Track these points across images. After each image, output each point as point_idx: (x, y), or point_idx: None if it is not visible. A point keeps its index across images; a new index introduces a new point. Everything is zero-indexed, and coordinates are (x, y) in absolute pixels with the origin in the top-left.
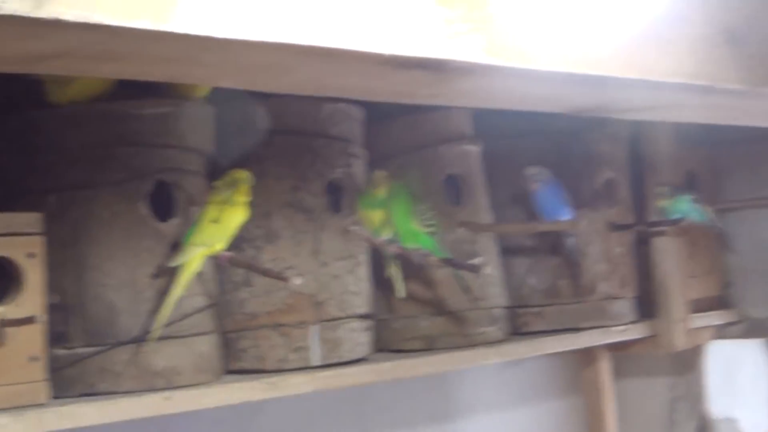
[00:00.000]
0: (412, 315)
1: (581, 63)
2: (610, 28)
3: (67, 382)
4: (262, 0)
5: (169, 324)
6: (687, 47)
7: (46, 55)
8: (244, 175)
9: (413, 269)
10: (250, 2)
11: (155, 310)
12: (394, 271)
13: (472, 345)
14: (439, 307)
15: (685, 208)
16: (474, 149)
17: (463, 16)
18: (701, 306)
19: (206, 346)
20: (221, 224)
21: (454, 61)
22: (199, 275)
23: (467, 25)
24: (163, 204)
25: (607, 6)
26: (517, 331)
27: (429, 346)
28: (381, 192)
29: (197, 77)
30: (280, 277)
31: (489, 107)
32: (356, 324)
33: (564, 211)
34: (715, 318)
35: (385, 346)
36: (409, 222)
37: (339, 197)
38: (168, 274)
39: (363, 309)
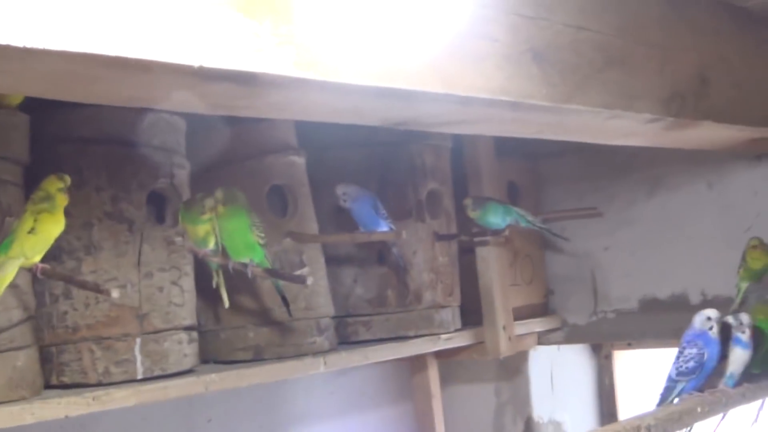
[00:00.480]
0: (239, 325)
1: (389, 77)
2: (417, 44)
3: None
4: (66, 9)
5: None
6: (494, 64)
7: None
8: (59, 183)
9: (241, 280)
10: (52, 11)
11: None
12: (220, 283)
13: (301, 355)
14: (266, 318)
15: (499, 215)
16: (299, 160)
17: (271, 30)
18: (524, 313)
19: (23, 360)
20: (39, 235)
21: (263, 74)
22: (15, 287)
23: (275, 38)
24: None
25: (413, 22)
26: (346, 340)
27: (257, 356)
28: (209, 215)
29: None
30: (97, 289)
31: (303, 119)
32: (182, 336)
33: (380, 222)
34: (537, 325)
35: (213, 357)
36: (248, 235)
37: (162, 208)
38: None
39: (188, 320)
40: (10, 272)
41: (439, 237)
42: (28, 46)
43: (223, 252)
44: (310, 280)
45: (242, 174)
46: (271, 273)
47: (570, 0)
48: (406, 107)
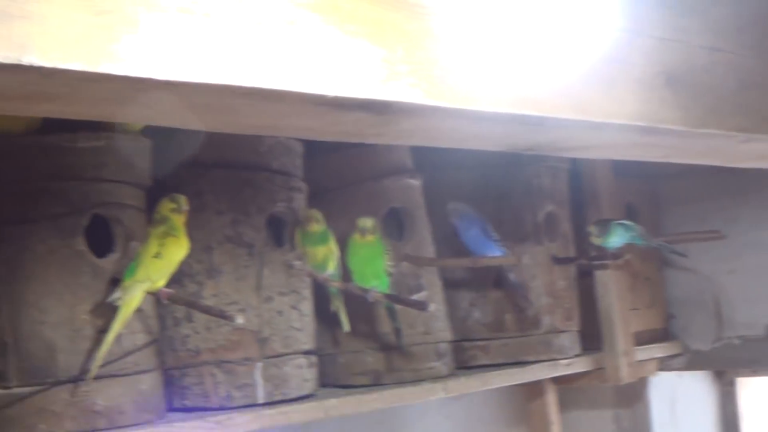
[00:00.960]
0: (357, 350)
1: (521, 104)
2: (549, 70)
3: (4, 423)
4: (203, 41)
5: (109, 362)
6: (627, 88)
7: None
8: (172, 205)
9: (359, 304)
10: (189, 43)
11: (95, 347)
12: (339, 306)
13: (419, 380)
14: (384, 342)
15: (620, 234)
16: (415, 183)
17: (403, 58)
18: (644, 338)
19: (148, 383)
20: (163, 259)
21: (395, 103)
22: (140, 311)
23: (408, 66)
24: (101, 239)
25: (549, 47)
26: (464, 365)
27: (376, 381)
28: (316, 228)
29: (134, 117)
30: (222, 315)
31: (431, 145)
32: (301, 360)
33: (491, 246)
34: (658, 350)
35: (331, 381)
36: (381, 263)
37: (281, 231)
38: (107, 311)
39: (308, 345)
40: (137, 296)
41: (558, 260)
42: (170, 79)
43: (344, 276)
44: (432, 307)
45: (360, 196)
46: (392, 298)
47: (706, 21)
48: (535, 133)
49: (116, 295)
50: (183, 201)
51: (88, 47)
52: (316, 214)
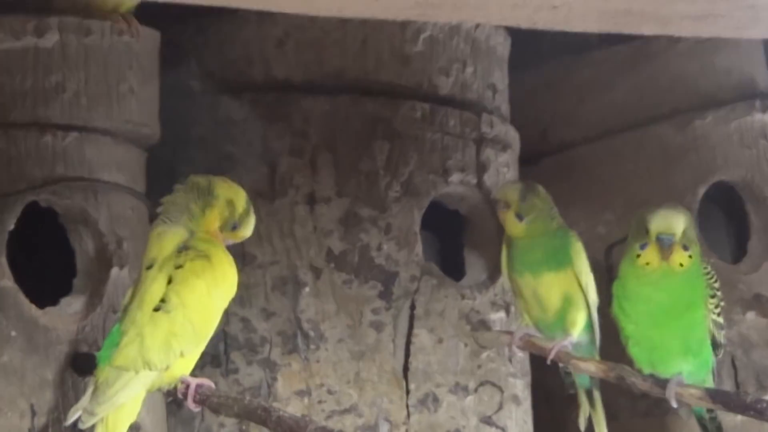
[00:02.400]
0: None
1: None
2: None
3: None
4: None
5: None
6: None
7: None
8: (220, 188)
9: (638, 405)
10: None
11: None
12: (596, 415)
13: None
14: None
15: None
16: None
17: None
18: None
19: None
20: (178, 314)
21: None
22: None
23: None
24: (47, 263)
25: None
26: None
27: None
28: (537, 228)
29: None
30: None
31: None
32: None
33: None
34: None
35: None
36: (701, 320)
37: (458, 240)
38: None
39: None
40: (129, 404)
41: None
42: None
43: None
44: None
45: (640, 158)
46: (723, 399)
47: None
48: None
49: (81, 404)
50: (240, 199)
51: None
52: (538, 197)
